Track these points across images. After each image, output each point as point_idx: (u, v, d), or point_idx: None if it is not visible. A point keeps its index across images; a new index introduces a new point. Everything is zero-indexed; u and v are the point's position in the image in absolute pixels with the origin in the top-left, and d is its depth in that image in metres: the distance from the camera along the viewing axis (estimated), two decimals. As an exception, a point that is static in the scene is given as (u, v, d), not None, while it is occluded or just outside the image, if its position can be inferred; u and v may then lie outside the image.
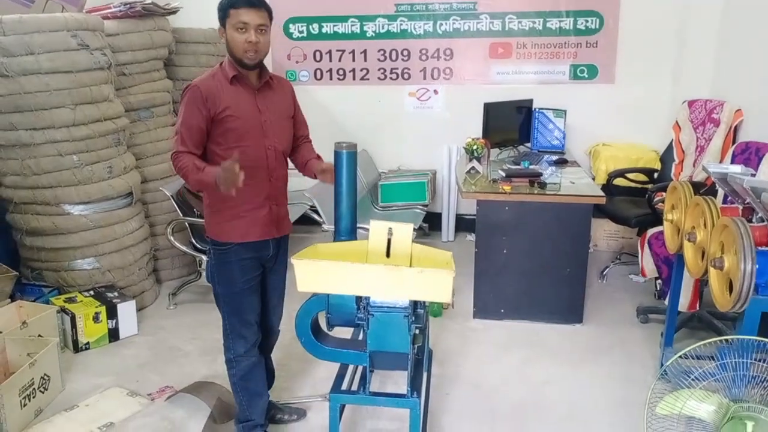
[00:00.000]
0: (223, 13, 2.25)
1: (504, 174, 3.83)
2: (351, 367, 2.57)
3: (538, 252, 3.61)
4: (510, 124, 4.71)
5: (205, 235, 2.48)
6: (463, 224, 5.20)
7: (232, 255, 2.36)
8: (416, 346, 2.24)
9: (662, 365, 3.02)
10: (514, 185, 3.66)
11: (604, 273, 4.39)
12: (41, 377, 2.84)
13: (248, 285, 2.41)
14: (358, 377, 2.53)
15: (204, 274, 3.82)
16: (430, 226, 5.23)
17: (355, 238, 2.21)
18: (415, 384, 2.24)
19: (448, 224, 5.20)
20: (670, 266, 3.29)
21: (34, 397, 2.78)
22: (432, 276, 1.71)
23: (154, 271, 4.19)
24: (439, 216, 5.21)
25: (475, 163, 4.09)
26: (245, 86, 2.31)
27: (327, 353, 2.26)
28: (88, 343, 3.41)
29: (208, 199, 2.39)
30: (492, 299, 3.72)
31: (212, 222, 2.39)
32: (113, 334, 3.49)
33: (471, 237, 4.93)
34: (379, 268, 1.73)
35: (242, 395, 2.50)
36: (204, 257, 3.78)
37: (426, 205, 4.80)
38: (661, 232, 3.49)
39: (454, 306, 2.04)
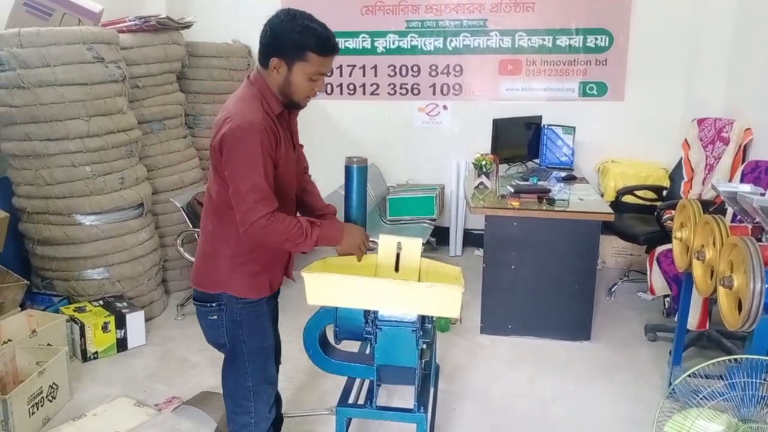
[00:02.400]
0: (298, 53, 1.87)
1: (512, 190, 3.84)
2: (358, 381, 2.58)
3: (546, 268, 3.61)
4: (519, 140, 4.73)
5: (203, 290, 2.06)
6: (471, 239, 5.21)
7: (264, 307, 2.10)
8: (423, 360, 2.24)
9: (670, 384, 3.01)
10: (522, 201, 3.67)
11: (612, 290, 4.38)
12: (50, 386, 2.86)
13: (275, 334, 2.22)
14: (365, 391, 2.54)
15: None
16: (438, 240, 5.24)
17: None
18: (422, 399, 2.24)
19: (455, 239, 5.20)
20: (679, 284, 3.28)
21: (42, 406, 2.79)
22: (441, 291, 1.73)
23: (163, 281, 4.21)
24: (447, 230, 5.22)
25: (483, 179, 4.10)
26: (283, 121, 1.99)
27: (334, 366, 2.26)
28: (96, 352, 3.42)
29: (229, 249, 1.99)
30: (500, 315, 3.71)
31: (236, 277, 2.02)
32: (121, 344, 3.51)
33: (479, 252, 4.94)
34: (389, 283, 1.74)
35: None
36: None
37: (434, 220, 4.81)
38: (670, 250, 3.49)
39: (462, 321, 2.04)
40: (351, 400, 2.50)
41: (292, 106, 1.98)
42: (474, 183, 4.13)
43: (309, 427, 2.83)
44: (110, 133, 3.58)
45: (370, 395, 2.24)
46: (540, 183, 4.10)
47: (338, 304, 1.87)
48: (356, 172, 2.15)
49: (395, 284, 1.74)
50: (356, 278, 1.80)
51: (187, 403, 2.93)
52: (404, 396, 2.91)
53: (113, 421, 2.83)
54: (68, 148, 3.46)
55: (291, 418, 2.83)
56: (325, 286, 1.79)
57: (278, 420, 2.52)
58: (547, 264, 3.60)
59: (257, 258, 2.01)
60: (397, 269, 2.10)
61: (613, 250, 4.90)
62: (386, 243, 2.10)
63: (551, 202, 3.66)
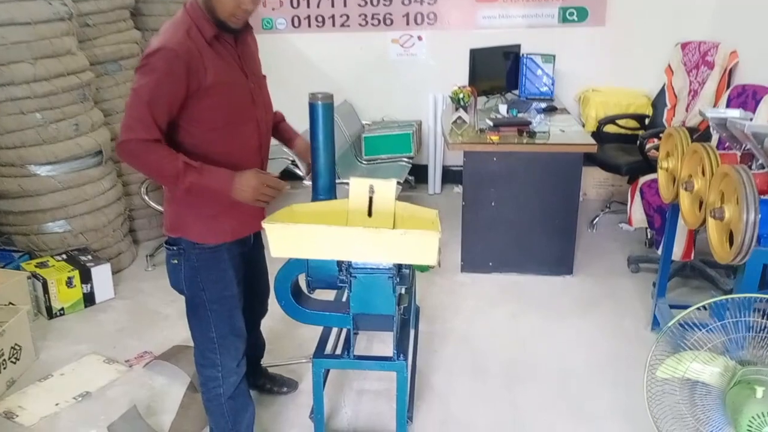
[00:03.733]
0: None
1: (492, 123, 3.68)
2: (335, 328, 2.49)
3: (527, 203, 3.49)
4: (497, 71, 4.52)
5: (168, 234, 1.99)
6: (450, 176, 5.07)
7: (224, 253, 1.97)
8: (402, 306, 2.14)
9: (655, 317, 2.96)
10: (502, 135, 3.52)
11: (594, 222, 4.30)
12: (11, 347, 2.71)
13: (241, 285, 2.07)
14: (344, 339, 2.44)
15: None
16: (416, 178, 5.09)
17: (335, 197, 2.07)
18: (401, 346, 2.15)
19: (434, 176, 5.06)
20: (663, 215, 3.20)
21: (5, 369, 2.66)
22: (416, 238, 1.58)
23: (131, 231, 4.04)
24: (425, 168, 5.06)
25: (461, 113, 3.93)
26: (225, 45, 1.85)
27: (309, 317, 2.16)
28: (62, 308, 3.28)
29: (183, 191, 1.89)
30: (480, 252, 3.62)
31: (190, 220, 1.93)
32: (89, 299, 3.36)
33: (458, 189, 4.80)
34: (358, 231, 1.59)
35: (229, 416, 2.12)
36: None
37: (411, 158, 4.64)
38: (654, 181, 3.39)
39: (441, 265, 1.92)
40: (329, 348, 2.41)
41: (223, 28, 1.82)
42: (451, 117, 3.96)
43: (288, 376, 2.74)
44: (59, 77, 3.32)
45: (348, 344, 2.15)
46: (520, 115, 3.94)
47: (305, 256, 1.72)
48: (321, 109, 1.97)
49: (365, 232, 1.59)
50: (322, 228, 1.65)
51: (159, 357, 2.82)
52: (384, 340, 2.84)
53: (82, 380, 2.71)
54: (15, 94, 3.20)
55: (269, 367, 2.74)
56: (289, 237, 1.63)
57: (256, 373, 2.43)
58: (529, 199, 3.49)
59: (213, 198, 1.88)
60: (370, 214, 1.96)
61: (594, 182, 4.80)
62: (358, 186, 1.95)
63: (532, 135, 3.51)
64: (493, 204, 3.51)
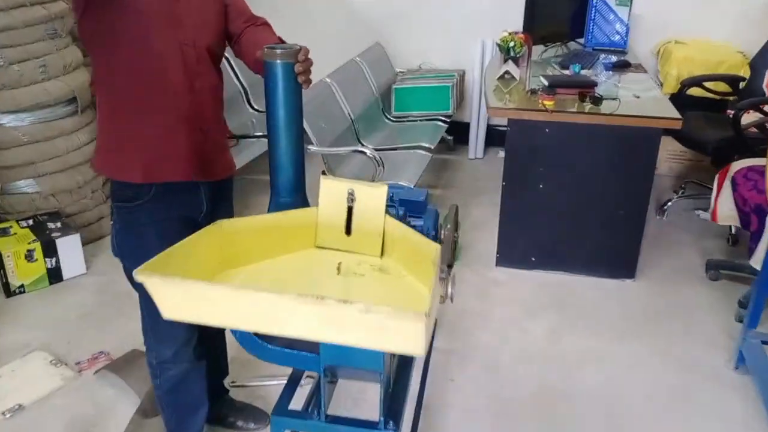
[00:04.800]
0: None
1: (546, 83, 2.95)
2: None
3: (585, 188, 2.81)
4: (559, 13, 3.74)
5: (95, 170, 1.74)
6: (495, 138, 4.35)
7: (143, 214, 1.61)
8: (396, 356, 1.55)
9: (741, 354, 2.28)
10: (558, 99, 2.80)
11: (665, 207, 3.55)
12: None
13: None
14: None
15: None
16: (455, 139, 4.40)
17: (303, 201, 1.44)
18: (393, 407, 1.56)
19: (477, 138, 4.36)
20: (763, 218, 2.47)
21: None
22: (388, 321, 0.93)
23: (119, 191, 3.53)
24: (466, 127, 4.36)
25: (510, 66, 3.22)
26: None
27: (272, 354, 1.57)
28: (22, 285, 2.81)
29: (103, 112, 1.61)
30: (521, 244, 2.97)
31: (103, 147, 1.64)
32: (54, 275, 2.88)
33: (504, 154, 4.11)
34: (285, 301, 0.92)
35: (169, 412, 1.84)
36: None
37: (450, 116, 3.94)
38: (753, 169, 2.65)
39: (453, 300, 1.31)
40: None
41: None
42: (498, 71, 3.25)
43: (271, 398, 2.20)
44: (20, 7, 2.77)
45: (318, 399, 1.57)
46: (583, 72, 3.19)
47: (209, 324, 1.09)
48: (281, 71, 1.33)
49: (300, 303, 0.93)
50: (221, 290, 0.99)
51: (111, 366, 2.31)
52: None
53: (20, 388, 2.23)
54: (-35, 27, 2.67)
55: (235, 387, 2.22)
56: (180, 296, 1.02)
57: (221, 372, 2.08)
58: (587, 183, 2.80)
59: (132, 123, 1.56)
60: (348, 232, 1.34)
61: (667, 153, 4.00)
62: (331, 190, 1.33)
63: (597, 101, 2.77)
64: (541, 186, 2.83)
